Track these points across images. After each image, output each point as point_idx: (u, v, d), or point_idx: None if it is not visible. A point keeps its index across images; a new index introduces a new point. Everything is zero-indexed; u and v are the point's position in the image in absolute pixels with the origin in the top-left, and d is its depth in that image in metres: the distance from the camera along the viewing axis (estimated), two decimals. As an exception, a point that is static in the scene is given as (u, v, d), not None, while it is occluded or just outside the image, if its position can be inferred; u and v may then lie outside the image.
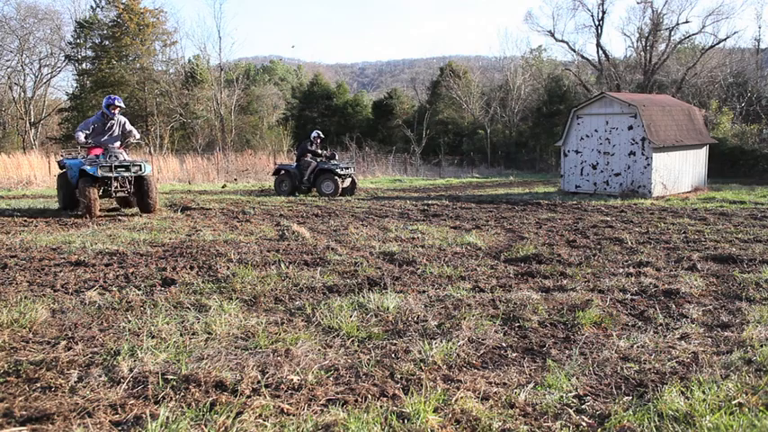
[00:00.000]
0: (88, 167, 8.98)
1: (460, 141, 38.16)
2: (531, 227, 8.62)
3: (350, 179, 15.11)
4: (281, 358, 3.24)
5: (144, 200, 9.46)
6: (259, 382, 2.92)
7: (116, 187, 9.24)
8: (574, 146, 15.37)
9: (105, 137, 9.47)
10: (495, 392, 2.88)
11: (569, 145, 15.48)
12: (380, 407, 2.70)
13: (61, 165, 10.09)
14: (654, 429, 2.54)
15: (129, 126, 9.74)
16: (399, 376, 3.06)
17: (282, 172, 15.34)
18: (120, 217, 9.26)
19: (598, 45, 36.08)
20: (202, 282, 4.92)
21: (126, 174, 9.21)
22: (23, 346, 3.38)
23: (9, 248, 6.25)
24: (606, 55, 36.36)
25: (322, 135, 15.63)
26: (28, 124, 36.70)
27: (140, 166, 9.34)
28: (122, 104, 9.63)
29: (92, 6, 40.95)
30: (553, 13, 73.77)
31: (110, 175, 9.07)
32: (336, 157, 15.32)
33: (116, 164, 9.12)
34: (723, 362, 3.28)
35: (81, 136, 9.22)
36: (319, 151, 15.13)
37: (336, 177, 14.55)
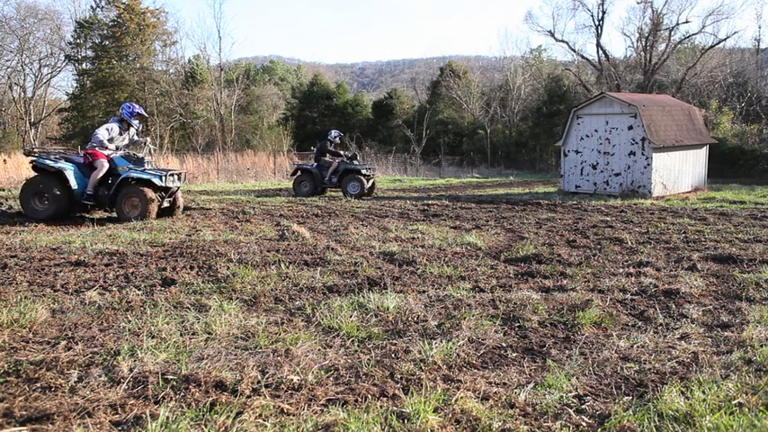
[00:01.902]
0: (153, 175, 8.67)
1: (460, 141, 38.17)
2: (531, 227, 8.62)
3: (372, 180, 15.08)
4: (281, 358, 3.24)
5: (173, 207, 9.28)
6: (259, 382, 2.92)
7: (163, 196, 9.05)
8: (574, 146, 15.37)
9: (117, 144, 9.12)
10: (495, 392, 2.88)
11: (569, 145, 15.48)
12: (380, 407, 2.70)
13: (41, 166, 8.75)
14: (654, 429, 2.54)
15: (135, 136, 9.50)
16: (399, 376, 3.06)
17: (302, 172, 15.13)
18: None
19: (598, 45, 36.10)
20: (202, 282, 4.92)
21: (178, 184, 9.06)
22: (23, 346, 3.38)
23: (9, 248, 6.24)
24: (606, 55, 36.37)
25: (341, 134, 15.53)
26: (28, 124, 36.71)
27: (179, 175, 9.26)
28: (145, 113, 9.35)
29: (92, 6, 40.99)
30: (553, 13, 73.89)
31: (170, 185, 8.86)
32: (358, 158, 15.19)
33: (171, 173, 8.94)
34: (723, 362, 3.28)
35: (105, 140, 8.76)
36: (340, 151, 15.08)
37: (362, 178, 14.53)
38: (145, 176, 8.71)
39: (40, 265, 5.41)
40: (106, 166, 8.76)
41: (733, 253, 6.26)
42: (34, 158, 8.82)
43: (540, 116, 36.61)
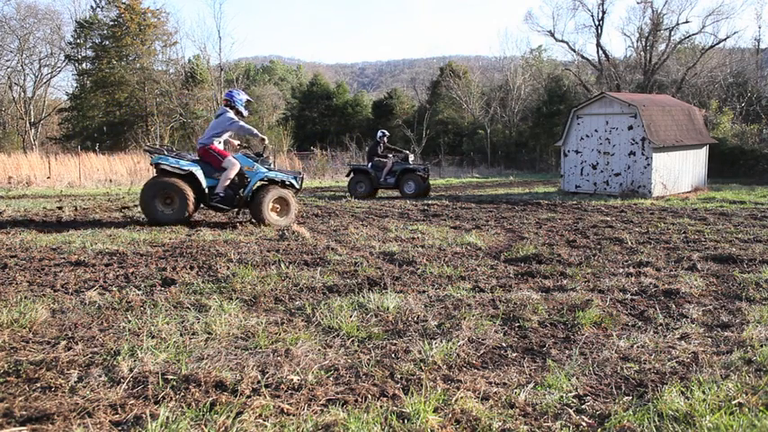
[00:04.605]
0: (290, 176, 8.53)
1: (460, 141, 38.18)
2: (531, 227, 8.62)
3: (427, 180, 15.06)
4: (281, 358, 3.24)
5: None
6: (259, 382, 2.92)
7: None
8: (574, 146, 15.37)
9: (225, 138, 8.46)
10: (495, 392, 2.88)
11: (569, 145, 15.47)
12: (380, 407, 2.70)
13: (170, 169, 7.95)
14: (654, 429, 2.54)
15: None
16: (399, 376, 3.06)
17: (357, 173, 15.07)
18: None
19: (598, 45, 36.11)
20: (202, 282, 4.92)
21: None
22: (23, 346, 3.38)
23: (9, 248, 6.24)
24: (606, 55, 36.37)
25: (387, 133, 15.50)
26: (28, 124, 36.70)
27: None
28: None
29: (92, 6, 41.00)
30: (553, 13, 74.01)
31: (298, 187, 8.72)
32: (411, 158, 15.12)
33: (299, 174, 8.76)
34: (723, 362, 3.28)
35: (252, 129, 8.23)
36: (388, 153, 14.98)
37: (418, 177, 14.58)
38: (286, 178, 8.41)
39: (40, 265, 5.41)
40: (238, 165, 8.19)
41: (733, 253, 6.26)
42: (160, 160, 8.04)
43: (540, 116, 36.61)
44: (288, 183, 8.56)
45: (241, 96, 8.45)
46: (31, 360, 3.13)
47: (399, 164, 14.76)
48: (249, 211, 8.55)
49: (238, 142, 8.85)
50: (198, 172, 8.06)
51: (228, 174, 8.10)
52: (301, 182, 8.75)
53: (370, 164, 14.97)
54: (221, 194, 8.14)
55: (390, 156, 14.96)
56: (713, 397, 2.80)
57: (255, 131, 8.24)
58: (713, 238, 7.47)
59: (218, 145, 8.25)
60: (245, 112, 8.47)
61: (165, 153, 8.13)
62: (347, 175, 15.73)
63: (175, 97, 36.32)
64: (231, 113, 8.25)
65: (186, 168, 7.99)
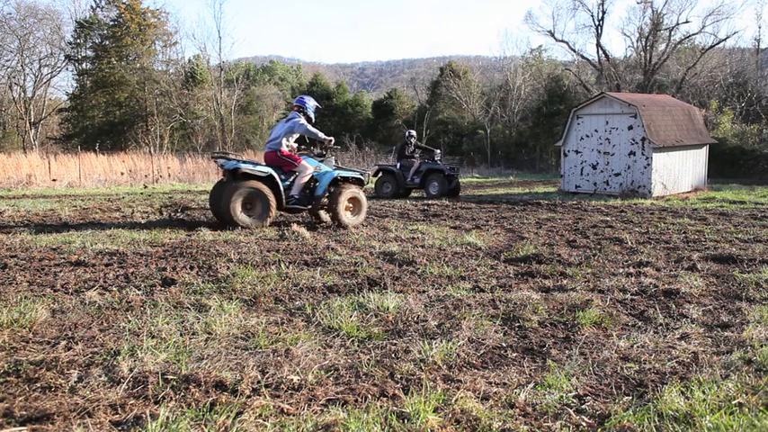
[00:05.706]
0: (357, 172, 8.71)
1: (460, 141, 38.14)
2: (531, 227, 8.62)
3: (455, 180, 14.69)
4: (281, 358, 3.24)
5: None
6: (259, 382, 2.92)
7: None
8: (574, 146, 15.37)
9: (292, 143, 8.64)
10: (495, 392, 2.88)
11: (569, 145, 15.47)
12: (380, 407, 2.70)
13: (249, 172, 7.92)
14: (654, 429, 2.54)
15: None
16: (399, 376, 3.06)
17: (384, 173, 14.84)
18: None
19: (598, 45, 36.07)
20: (202, 282, 4.92)
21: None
22: (23, 346, 3.38)
23: (9, 248, 6.24)
24: (606, 55, 36.34)
25: (414, 133, 15.29)
26: (28, 124, 36.66)
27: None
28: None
29: (92, 6, 40.98)
30: (553, 13, 73.96)
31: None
32: (437, 157, 14.81)
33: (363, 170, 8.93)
34: (723, 362, 3.28)
35: (320, 134, 8.40)
36: (415, 152, 14.76)
37: (443, 177, 14.33)
38: (354, 175, 8.55)
39: (40, 265, 5.41)
40: (311, 168, 8.37)
41: (733, 253, 6.26)
42: (238, 165, 7.95)
43: (540, 116, 36.57)
44: (355, 179, 8.67)
45: (311, 103, 8.72)
46: (31, 360, 3.13)
47: (426, 164, 14.49)
48: (312, 213, 8.63)
49: (296, 145, 9.01)
50: (276, 175, 8.14)
51: (302, 177, 8.34)
52: (367, 178, 8.89)
53: (398, 164, 14.80)
54: (297, 196, 8.35)
55: (417, 155, 14.75)
56: (713, 397, 2.80)
57: (322, 135, 8.48)
58: (713, 238, 7.47)
59: (287, 149, 8.42)
60: (314, 118, 8.75)
61: (233, 158, 8.18)
62: (374, 175, 15.50)
63: (175, 97, 36.29)
64: (302, 119, 8.45)
65: (266, 171, 8.06)
